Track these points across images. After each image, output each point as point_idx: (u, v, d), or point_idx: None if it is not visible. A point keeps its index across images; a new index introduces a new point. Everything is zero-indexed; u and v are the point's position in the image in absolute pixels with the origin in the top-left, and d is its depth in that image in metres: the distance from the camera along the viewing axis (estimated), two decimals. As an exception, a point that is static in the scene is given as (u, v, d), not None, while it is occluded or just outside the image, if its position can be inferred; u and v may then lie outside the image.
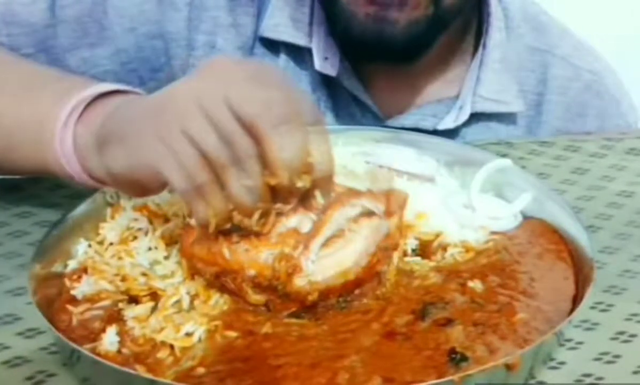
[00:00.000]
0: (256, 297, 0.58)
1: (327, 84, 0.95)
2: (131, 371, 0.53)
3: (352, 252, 0.58)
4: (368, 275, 0.59)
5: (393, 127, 0.91)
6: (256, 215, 0.57)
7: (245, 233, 0.58)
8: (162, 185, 0.60)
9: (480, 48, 0.93)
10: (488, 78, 0.92)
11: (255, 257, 0.57)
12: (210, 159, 0.55)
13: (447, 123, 0.93)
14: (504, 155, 0.82)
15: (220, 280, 0.59)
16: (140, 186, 0.61)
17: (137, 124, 0.59)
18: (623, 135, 0.91)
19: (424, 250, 0.65)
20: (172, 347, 0.55)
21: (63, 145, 0.65)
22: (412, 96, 0.95)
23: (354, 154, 0.75)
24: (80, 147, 0.65)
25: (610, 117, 0.97)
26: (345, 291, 0.59)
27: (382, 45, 0.84)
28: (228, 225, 0.58)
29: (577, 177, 0.82)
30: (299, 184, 0.57)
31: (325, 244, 0.59)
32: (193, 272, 0.60)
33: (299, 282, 0.57)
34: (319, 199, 0.60)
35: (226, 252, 0.57)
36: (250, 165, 0.56)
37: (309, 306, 0.58)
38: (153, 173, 0.57)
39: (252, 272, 0.57)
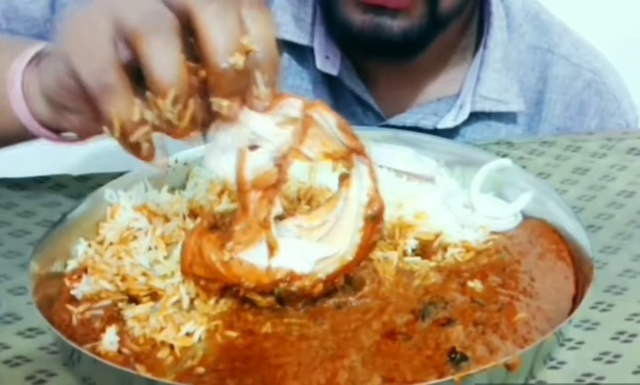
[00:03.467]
0: (266, 301, 0.58)
1: (328, 83, 0.95)
2: (131, 371, 0.53)
3: (342, 239, 0.58)
4: (366, 249, 0.59)
5: (394, 126, 0.92)
6: (171, 96, 0.53)
7: (234, 245, 0.57)
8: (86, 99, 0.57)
9: (481, 48, 0.93)
10: (488, 77, 0.92)
11: (249, 268, 0.57)
12: (125, 29, 0.53)
13: (447, 122, 0.93)
14: (504, 155, 0.82)
15: (226, 291, 0.59)
16: (73, 107, 0.59)
17: None
18: (624, 135, 0.91)
19: (424, 250, 0.65)
20: (172, 346, 0.55)
21: (13, 87, 0.65)
22: (413, 95, 0.96)
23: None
24: (25, 83, 0.65)
25: (610, 116, 0.98)
26: (349, 271, 0.59)
27: (379, 46, 0.85)
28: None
29: (577, 177, 0.82)
30: (230, 60, 0.52)
31: (305, 213, 0.59)
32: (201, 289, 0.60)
33: (299, 284, 0.57)
34: (261, 87, 0.55)
35: (221, 268, 0.57)
36: (170, 38, 0.53)
37: (319, 296, 0.58)
38: (70, 70, 0.56)
39: (249, 283, 0.57)
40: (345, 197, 0.58)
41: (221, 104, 0.54)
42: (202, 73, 0.54)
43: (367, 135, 0.77)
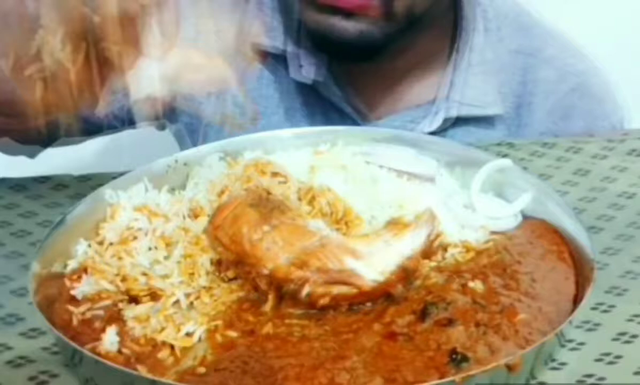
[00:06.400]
0: (270, 299, 0.58)
1: (305, 91, 0.94)
2: (133, 371, 0.53)
3: (376, 268, 0.59)
4: (380, 292, 0.59)
5: None
6: (60, 34, 0.53)
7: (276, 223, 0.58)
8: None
9: (454, 53, 0.92)
10: (463, 82, 0.91)
11: (274, 256, 0.58)
12: None
13: (422, 129, 0.92)
14: (504, 156, 0.82)
15: (237, 267, 0.59)
16: None
17: None
18: (624, 136, 0.91)
19: (424, 250, 0.65)
20: (172, 347, 0.55)
21: None
22: (390, 101, 0.94)
23: (354, 154, 0.75)
24: None
25: (594, 119, 0.96)
26: (356, 301, 0.59)
27: (336, 47, 0.85)
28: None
29: (578, 179, 0.82)
30: (122, 5, 0.54)
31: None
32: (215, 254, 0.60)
33: (308, 289, 0.57)
34: (156, 36, 0.56)
35: (247, 244, 0.58)
36: None
37: (318, 308, 0.58)
38: None
39: (266, 270, 0.58)
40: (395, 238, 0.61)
41: (112, 49, 0.54)
42: (96, 19, 0.54)
43: (368, 136, 0.78)
